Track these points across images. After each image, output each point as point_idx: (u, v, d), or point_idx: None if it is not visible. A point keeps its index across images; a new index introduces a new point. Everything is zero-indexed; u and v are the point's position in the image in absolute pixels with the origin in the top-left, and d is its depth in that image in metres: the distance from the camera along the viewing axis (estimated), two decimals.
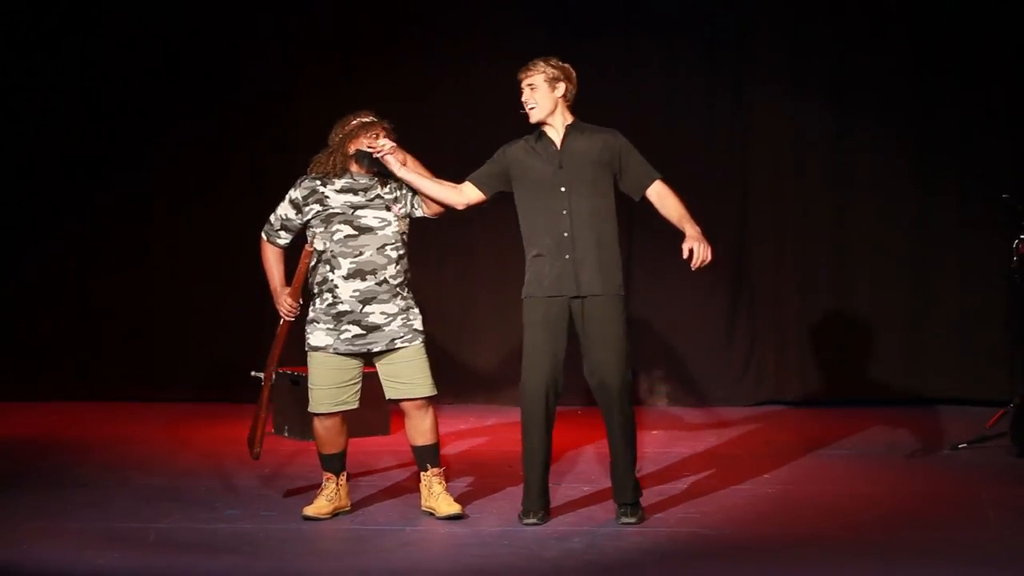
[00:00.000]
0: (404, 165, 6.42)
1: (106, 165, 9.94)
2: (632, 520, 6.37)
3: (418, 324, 6.43)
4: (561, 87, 6.28)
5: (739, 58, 9.81)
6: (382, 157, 6.35)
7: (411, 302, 6.43)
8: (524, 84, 6.30)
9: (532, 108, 6.28)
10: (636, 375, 9.31)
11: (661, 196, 6.33)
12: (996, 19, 9.60)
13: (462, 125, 9.64)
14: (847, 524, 6.41)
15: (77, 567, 5.71)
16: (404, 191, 6.46)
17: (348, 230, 6.28)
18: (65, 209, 9.98)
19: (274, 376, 6.69)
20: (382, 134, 6.34)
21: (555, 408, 6.31)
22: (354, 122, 6.37)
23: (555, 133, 6.32)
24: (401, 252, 6.38)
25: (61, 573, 5.68)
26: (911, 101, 9.78)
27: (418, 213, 6.47)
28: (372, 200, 6.33)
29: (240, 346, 9.87)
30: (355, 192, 6.34)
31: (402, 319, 6.36)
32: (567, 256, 6.22)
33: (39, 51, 9.83)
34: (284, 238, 6.45)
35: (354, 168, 6.37)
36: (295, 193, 6.37)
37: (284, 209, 6.40)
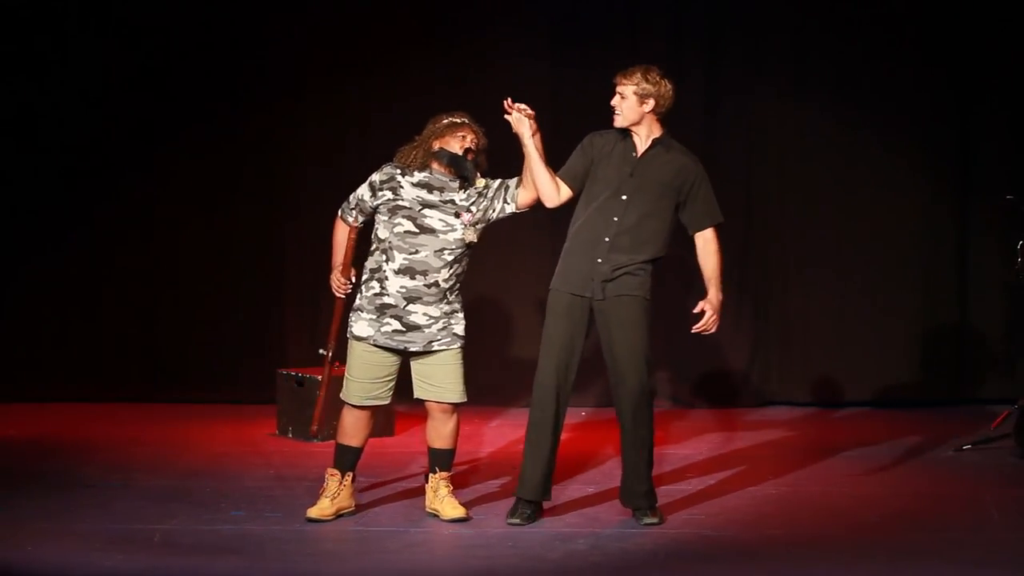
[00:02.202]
0: (534, 135, 6.31)
1: (112, 167, 9.88)
2: (655, 520, 6.35)
3: (459, 328, 6.40)
4: (650, 103, 6.26)
5: (743, 60, 9.77)
6: (519, 115, 6.24)
7: (457, 306, 6.38)
8: (616, 88, 6.32)
9: (617, 115, 6.31)
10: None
11: (706, 244, 6.34)
12: (1001, 20, 9.57)
13: None
14: (851, 525, 6.41)
15: (81, 568, 5.70)
16: (485, 199, 6.38)
17: (409, 226, 6.25)
18: (71, 210, 9.89)
19: (331, 353, 6.77)
20: (469, 136, 6.32)
21: (565, 404, 6.32)
22: (444, 121, 6.36)
23: (640, 141, 6.33)
24: (459, 258, 6.34)
25: (65, 574, 5.67)
26: (916, 103, 9.73)
27: (509, 209, 6.38)
28: (445, 202, 6.30)
29: (247, 346, 9.83)
30: (430, 189, 6.31)
31: (443, 322, 6.33)
32: (599, 260, 6.23)
33: (48, 59, 9.82)
34: (354, 218, 6.44)
35: (435, 166, 6.33)
36: (376, 176, 6.36)
37: (363, 189, 6.39)
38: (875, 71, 9.75)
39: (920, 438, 8.51)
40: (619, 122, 6.28)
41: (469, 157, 6.30)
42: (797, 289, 9.88)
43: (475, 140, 6.33)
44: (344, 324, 6.47)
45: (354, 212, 6.41)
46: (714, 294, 6.27)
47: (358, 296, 6.37)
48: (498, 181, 6.38)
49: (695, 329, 6.26)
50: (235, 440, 8.50)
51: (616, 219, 6.22)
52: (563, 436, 6.47)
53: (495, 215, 6.38)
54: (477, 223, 6.33)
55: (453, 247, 6.28)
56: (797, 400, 9.84)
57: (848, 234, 9.83)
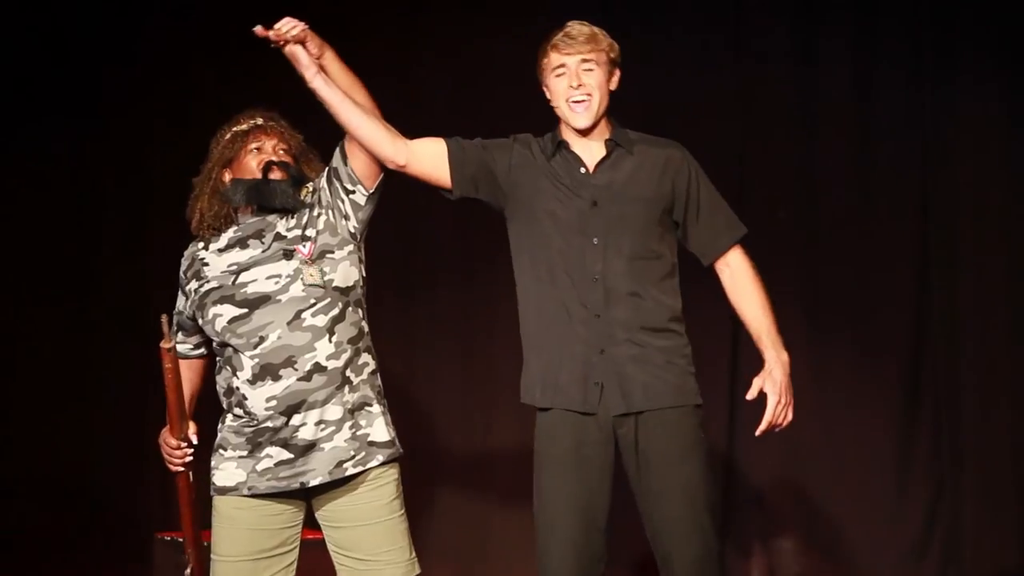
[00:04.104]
0: (318, 64, 4.91)
1: None
2: None
3: (379, 432, 5.03)
4: (616, 79, 5.14)
5: (908, 22, 7.84)
6: (285, 48, 4.92)
7: (368, 394, 5.04)
8: (575, 61, 5.06)
9: (584, 102, 5.05)
10: (730, 539, 7.98)
11: (736, 274, 5.19)
12: None
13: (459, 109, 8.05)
14: None
15: None
16: (321, 208, 5.10)
17: (230, 310, 5.01)
18: None
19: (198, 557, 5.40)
20: (268, 142, 5.08)
21: None
22: (227, 136, 5.14)
23: (586, 148, 5.11)
24: (334, 314, 5.01)
25: None
26: None
27: (358, 194, 5.03)
28: (268, 247, 5.06)
29: (112, 498, 8.30)
30: (243, 244, 5.08)
31: (350, 428, 5.00)
32: (602, 350, 5.03)
33: None
34: (183, 342, 5.26)
35: (240, 213, 5.13)
36: (181, 267, 5.29)
37: (178, 297, 5.33)
38: None
39: None
40: (587, 117, 5.06)
41: (276, 175, 5.07)
42: (1007, 394, 7.78)
43: (278, 144, 5.13)
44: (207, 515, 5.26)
45: (179, 335, 5.28)
46: (773, 358, 5.05)
47: (218, 429, 5.20)
48: (326, 170, 5.20)
49: (760, 431, 5.06)
50: None
51: (597, 277, 5.06)
52: None
53: (351, 219, 5.11)
54: (326, 252, 5.11)
55: (311, 304, 5.02)
56: None
57: None
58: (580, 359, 5.06)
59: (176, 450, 5.06)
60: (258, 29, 4.88)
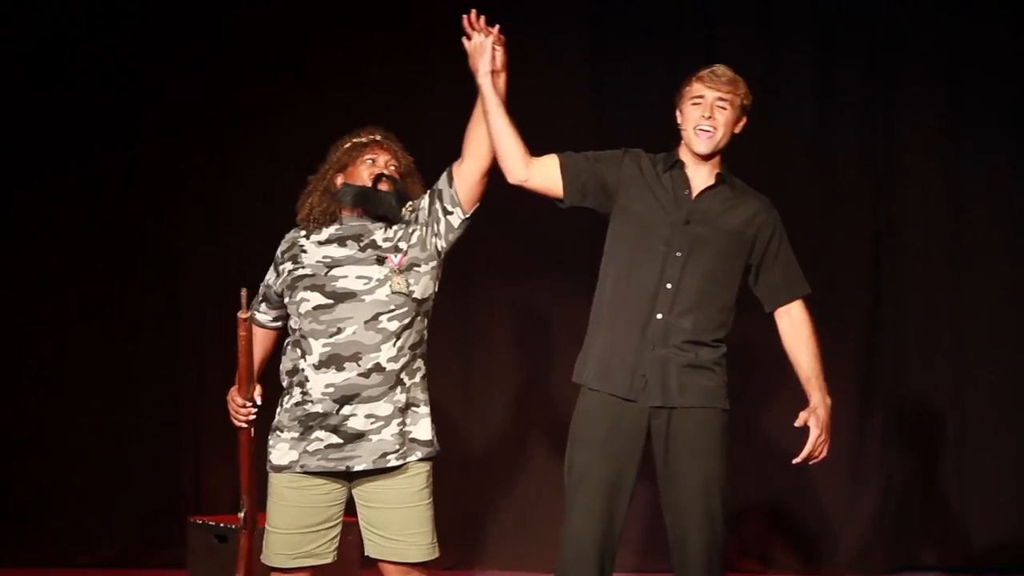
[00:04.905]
0: (497, 73, 5.24)
1: None
2: None
3: (422, 431, 5.31)
4: (742, 125, 5.41)
5: (868, 68, 8.14)
6: (482, 37, 5.24)
7: (418, 396, 5.33)
8: (713, 96, 5.35)
9: (710, 132, 5.32)
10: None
11: (795, 324, 5.46)
12: None
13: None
14: None
15: None
16: (417, 225, 5.36)
17: (318, 298, 5.23)
18: None
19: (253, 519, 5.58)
20: (381, 157, 5.35)
21: (611, 568, 5.39)
22: (346, 144, 5.39)
23: (697, 174, 5.40)
24: (406, 323, 5.24)
25: None
26: None
27: (456, 217, 5.30)
28: (364, 251, 5.29)
29: (150, 486, 8.39)
30: (342, 242, 5.31)
31: (398, 424, 5.25)
32: (652, 348, 5.30)
33: None
34: (264, 312, 5.52)
35: (345, 213, 5.35)
36: (278, 249, 5.49)
37: (269, 271, 5.53)
38: None
39: None
40: (708, 144, 5.33)
41: (384, 187, 5.35)
42: (952, 397, 8.20)
43: (390, 160, 5.41)
44: (262, 469, 5.44)
45: (262, 305, 5.55)
46: (819, 399, 5.33)
47: (277, 411, 5.41)
48: (428, 191, 5.44)
49: (799, 459, 5.33)
50: None
51: (670, 286, 5.32)
52: None
53: (442, 238, 5.39)
54: (414, 265, 5.36)
55: (391, 309, 5.27)
56: (949, 566, 8.23)
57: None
58: (633, 351, 5.31)
59: (242, 408, 5.32)
60: (470, 16, 5.20)
